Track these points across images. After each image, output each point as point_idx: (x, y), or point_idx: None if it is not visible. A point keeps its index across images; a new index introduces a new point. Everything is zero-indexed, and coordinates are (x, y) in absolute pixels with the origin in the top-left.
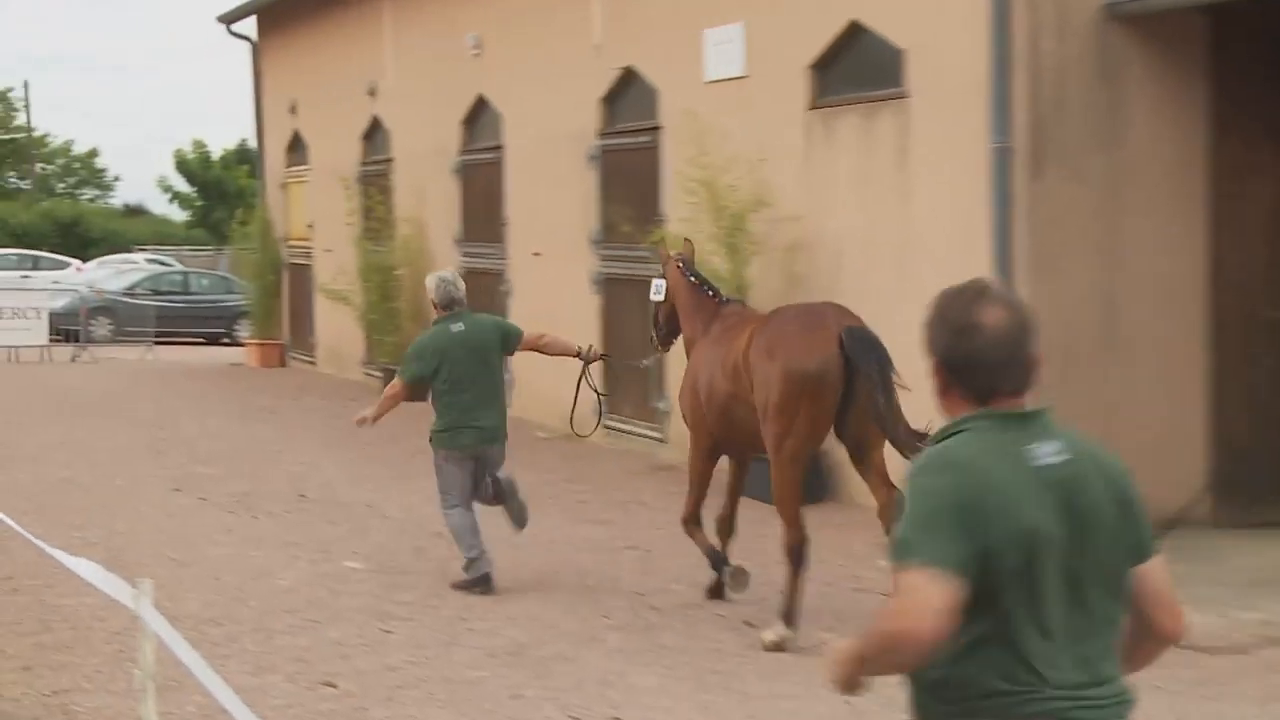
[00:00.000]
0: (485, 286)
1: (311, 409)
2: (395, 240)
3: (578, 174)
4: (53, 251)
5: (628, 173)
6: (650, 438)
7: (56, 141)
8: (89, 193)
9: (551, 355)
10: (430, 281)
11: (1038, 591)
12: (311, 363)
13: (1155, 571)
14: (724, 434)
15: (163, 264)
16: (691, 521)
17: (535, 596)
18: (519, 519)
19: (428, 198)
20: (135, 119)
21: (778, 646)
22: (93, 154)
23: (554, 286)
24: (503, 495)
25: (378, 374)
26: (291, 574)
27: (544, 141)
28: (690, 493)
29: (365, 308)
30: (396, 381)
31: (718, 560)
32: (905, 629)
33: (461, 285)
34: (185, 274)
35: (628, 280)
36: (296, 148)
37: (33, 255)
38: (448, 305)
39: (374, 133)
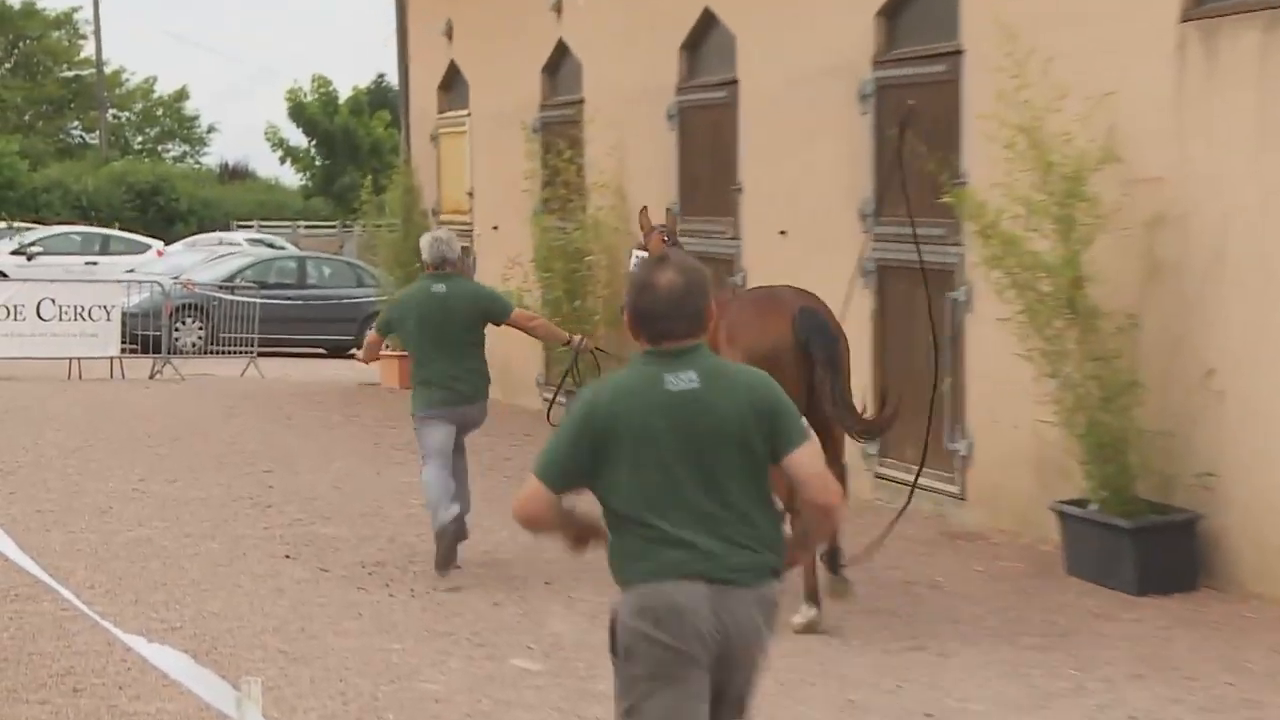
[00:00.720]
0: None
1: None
2: (586, 215)
3: (842, 119)
4: (127, 229)
5: (913, 117)
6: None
7: (133, 80)
8: (175, 149)
9: (540, 339)
10: (424, 240)
11: (664, 478)
12: None
13: (801, 458)
14: None
15: (271, 246)
16: None
17: None
18: (462, 502)
19: (632, 154)
20: (237, 50)
21: (809, 628)
22: (180, 96)
23: (806, 276)
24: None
25: (561, 400)
26: (443, 676)
27: (795, 77)
28: None
29: (545, 308)
30: (372, 331)
31: None
32: (516, 512)
33: (456, 246)
34: (301, 260)
35: (913, 270)
36: (452, 85)
37: (101, 234)
38: (438, 265)
39: (560, 64)
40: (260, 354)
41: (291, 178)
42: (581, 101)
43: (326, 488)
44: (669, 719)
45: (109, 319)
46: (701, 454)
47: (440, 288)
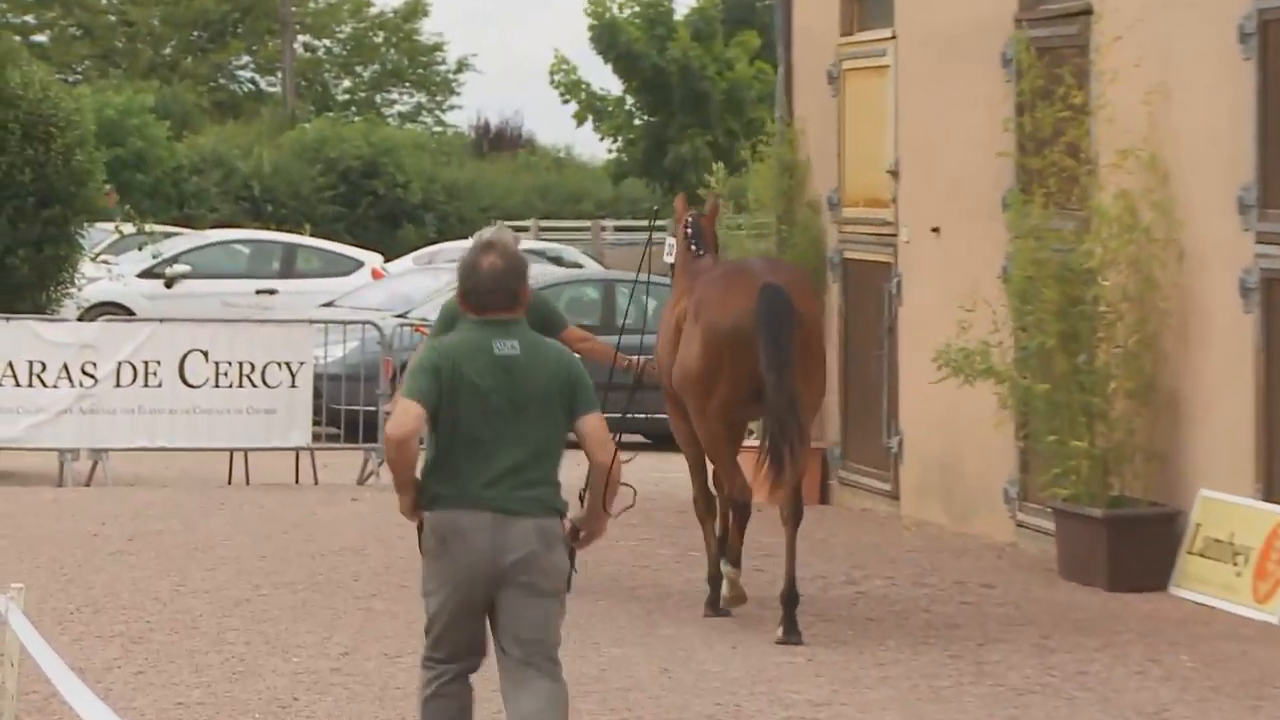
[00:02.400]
0: None
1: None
2: (1097, 206)
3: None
4: (323, 235)
5: None
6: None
7: None
8: (403, 101)
9: (590, 360)
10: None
11: (478, 423)
12: (889, 496)
13: (589, 423)
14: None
15: (559, 262)
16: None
17: None
18: None
19: (1182, 103)
20: None
21: (735, 593)
22: (413, 12)
23: None
24: None
25: (1046, 527)
26: None
27: None
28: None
29: (1028, 364)
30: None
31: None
32: (391, 430)
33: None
34: (607, 286)
35: None
36: None
37: (282, 243)
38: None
39: None
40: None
41: (594, 147)
42: (1088, 11)
43: (648, 673)
44: (451, 619)
45: (294, 384)
46: (515, 408)
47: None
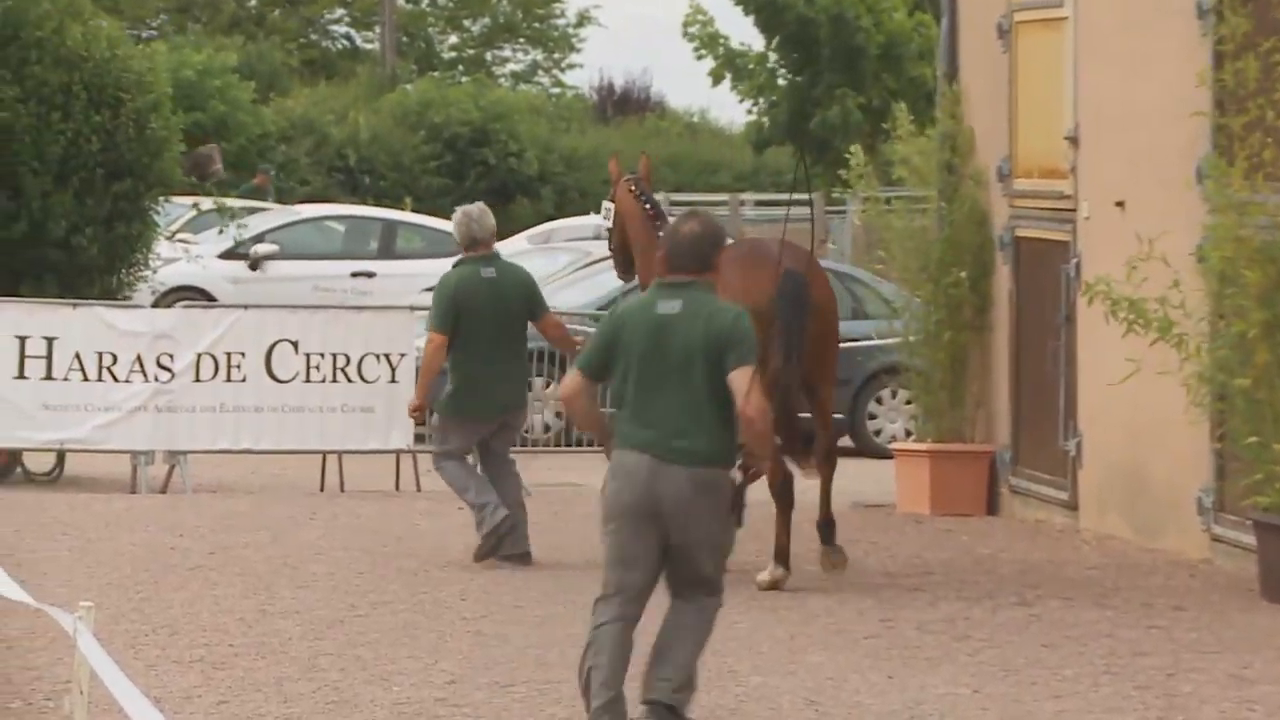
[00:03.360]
0: None
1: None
2: None
3: None
4: (427, 211)
5: None
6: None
7: None
8: (517, 59)
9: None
10: (455, 217)
11: (642, 377)
12: (1067, 506)
13: (739, 378)
14: None
15: None
16: None
17: None
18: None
19: None
20: None
21: (774, 585)
22: None
23: None
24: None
25: (1245, 541)
26: None
27: None
28: None
29: (1214, 350)
30: (431, 334)
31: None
32: (559, 394)
33: (489, 222)
34: None
35: None
36: None
37: (381, 220)
38: (470, 245)
39: None
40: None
41: (731, 110)
42: None
43: (792, 705)
44: (613, 552)
45: (394, 379)
46: (666, 363)
47: (489, 271)
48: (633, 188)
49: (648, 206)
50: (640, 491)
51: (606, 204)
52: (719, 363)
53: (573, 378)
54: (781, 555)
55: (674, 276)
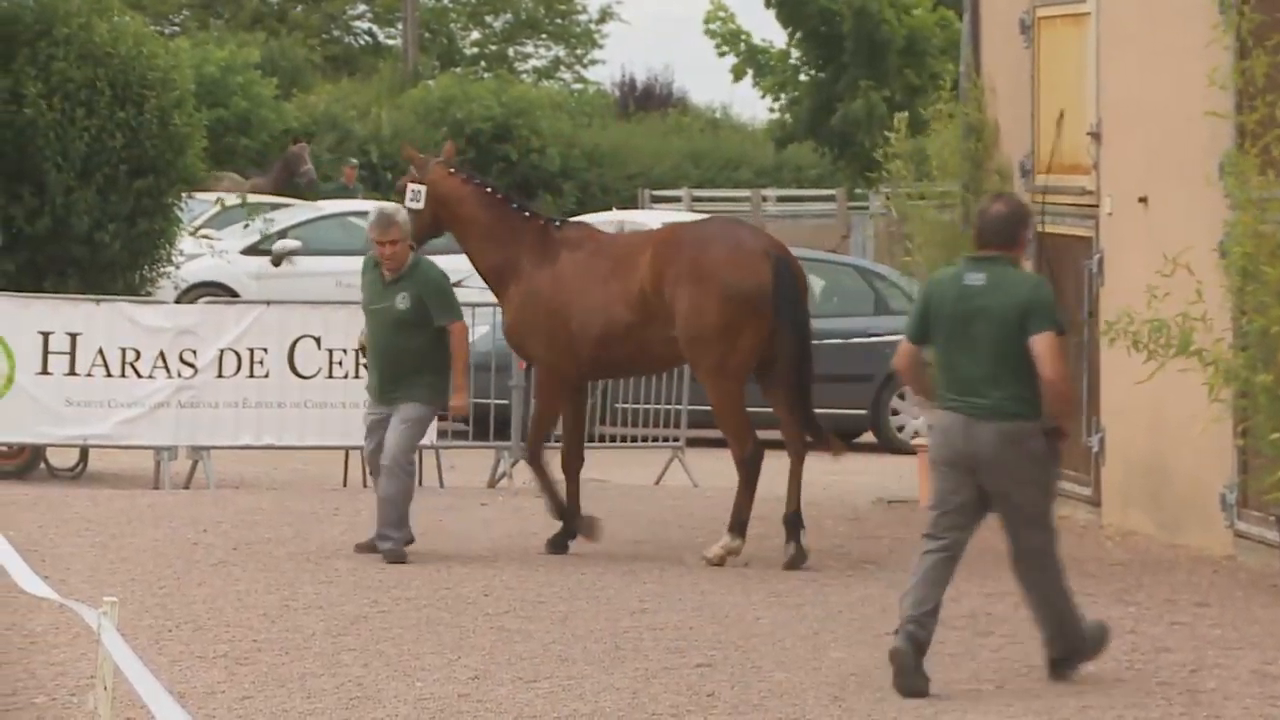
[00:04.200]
0: None
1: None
2: None
3: None
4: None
5: None
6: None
7: None
8: (539, 56)
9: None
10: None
11: (945, 343)
12: (1089, 502)
13: (1038, 343)
14: (603, 363)
15: None
16: (538, 460)
17: None
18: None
19: None
20: None
21: (722, 560)
22: None
23: None
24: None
25: (1270, 537)
26: None
27: None
28: (536, 429)
29: (1244, 351)
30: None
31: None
32: (894, 363)
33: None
34: None
35: None
36: None
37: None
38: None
39: None
40: (695, 442)
41: (753, 106)
42: None
43: (816, 702)
44: (939, 495)
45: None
46: (971, 330)
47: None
48: (452, 170)
49: (487, 189)
50: (956, 446)
51: (415, 187)
52: (1020, 328)
53: (903, 347)
54: (739, 526)
55: (983, 251)
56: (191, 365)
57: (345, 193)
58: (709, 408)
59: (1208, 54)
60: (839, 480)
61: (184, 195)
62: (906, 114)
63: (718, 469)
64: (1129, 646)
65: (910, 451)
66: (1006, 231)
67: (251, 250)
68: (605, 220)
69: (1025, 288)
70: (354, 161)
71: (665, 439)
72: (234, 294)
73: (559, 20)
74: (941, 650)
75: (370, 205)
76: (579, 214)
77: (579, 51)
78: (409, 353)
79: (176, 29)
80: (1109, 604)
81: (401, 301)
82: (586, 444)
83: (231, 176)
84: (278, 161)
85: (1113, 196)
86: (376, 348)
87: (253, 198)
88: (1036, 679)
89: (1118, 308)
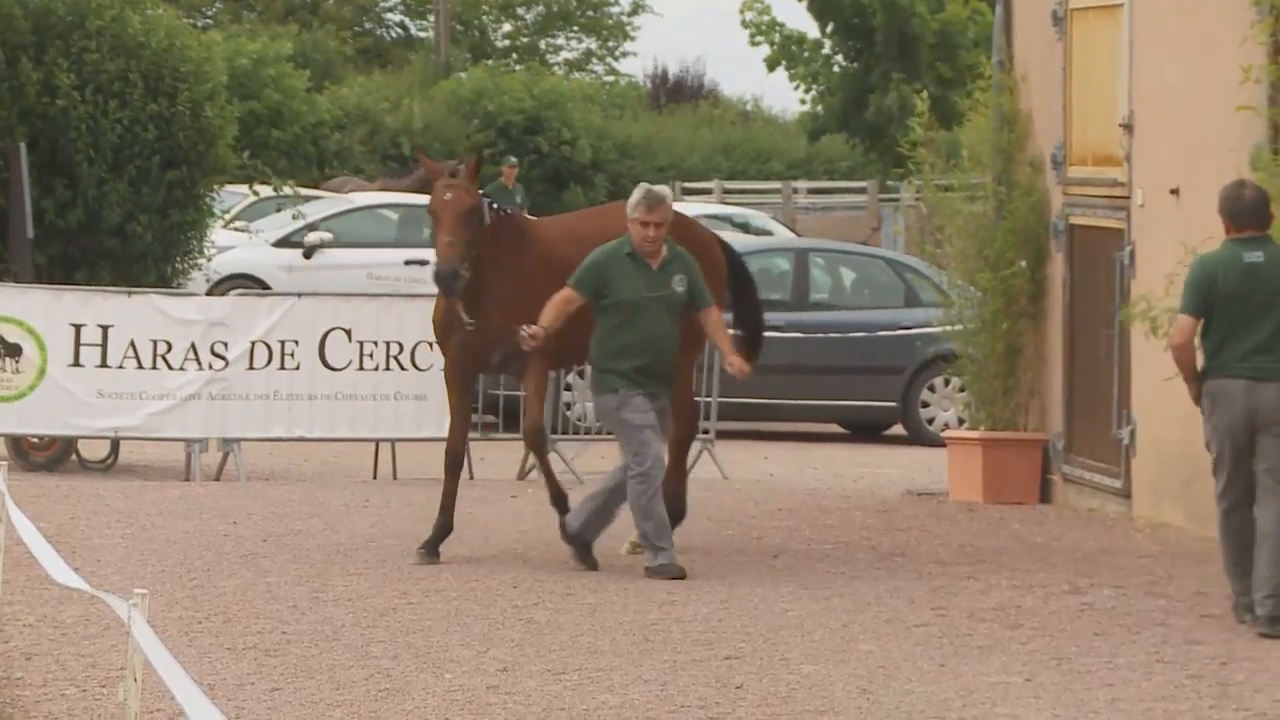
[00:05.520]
0: None
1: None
2: None
3: None
4: (337, 189)
5: None
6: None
7: None
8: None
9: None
10: None
11: (1229, 315)
12: (1120, 494)
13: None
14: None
15: (746, 229)
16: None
17: None
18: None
19: None
20: None
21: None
22: None
23: None
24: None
25: None
26: None
27: None
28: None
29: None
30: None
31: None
32: (1172, 340)
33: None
34: (800, 256)
35: None
36: None
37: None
38: None
39: None
40: (724, 434)
41: (785, 98)
42: None
43: (844, 694)
44: (1224, 456)
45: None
46: (1257, 302)
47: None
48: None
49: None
50: (1240, 408)
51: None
52: None
53: (1185, 324)
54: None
55: (1248, 233)
56: (222, 357)
57: (505, 194)
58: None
59: (1242, 50)
60: (869, 472)
61: (216, 187)
62: (928, 97)
63: (747, 460)
64: (1159, 639)
65: (940, 444)
66: (1264, 213)
67: (283, 243)
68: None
69: None
70: (513, 160)
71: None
72: (265, 286)
73: (590, 12)
74: (970, 643)
75: (393, 198)
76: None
77: (610, 44)
78: (672, 343)
79: (209, 22)
80: (1139, 596)
81: (679, 285)
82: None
83: (354, 180)
84: (418, 169)
85: (1144, 189)
86: (648, 338)
87: (287, 189)
88: (1066, 672)
89: (1149, 299)
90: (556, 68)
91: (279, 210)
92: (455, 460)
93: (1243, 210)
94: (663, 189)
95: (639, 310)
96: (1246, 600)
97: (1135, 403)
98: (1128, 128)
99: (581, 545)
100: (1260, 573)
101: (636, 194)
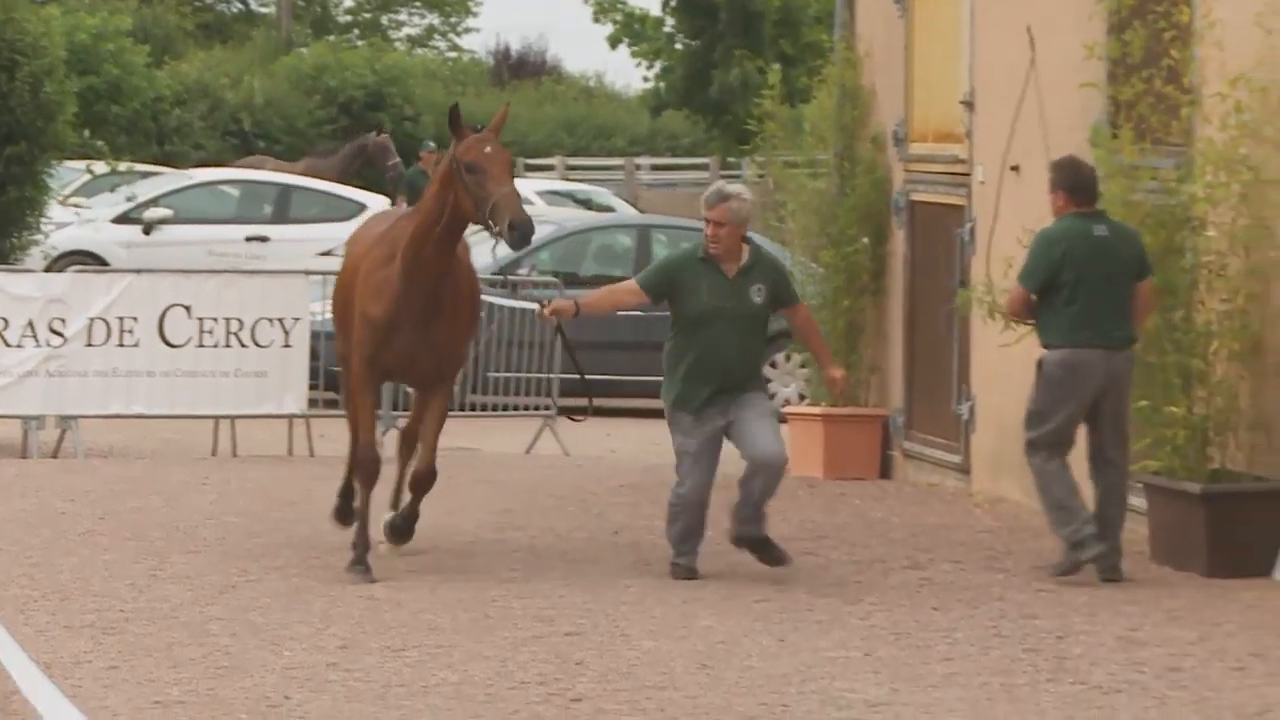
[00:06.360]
0: None
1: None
2: (1200, 142)
3: None
4: (253, 167)
5: None
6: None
7: None
8: (412, 24)
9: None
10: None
11: (1091, 289)
12: (959, 469)
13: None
14: None
15: (588, 206)
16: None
17: None
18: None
19: None
20: None
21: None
22: None
23: None
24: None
25: (1137, 504)
26: None
27: None
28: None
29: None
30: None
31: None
32: (1006, 306)
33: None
34: (643, 232)
35: None
36: None
37: (275, 184)
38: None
39: None
40: (565, 411)
41: (628, 75)
42: None
43: (684, 669)
44: (1069, 417)
45: (288, 344)
46: (1110, 277)
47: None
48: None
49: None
50: (1099, 377)
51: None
52: (1139, 274)
53: (1020, 293)
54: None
55: (1089, 208)
56: (60, 334)
57: (424, 179)
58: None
59: (1083, 27)
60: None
61: (54, 163)
62: (779, 69)
63: (590, 437)
64: (996, 613)
65: (781, 420)
66: (1097, 187)
67: (121, 219)
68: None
69: (1136, 234)
70: (431, 145)
71: (536, 407)
72: (104, 262)
73: None
74: (809, 618)
75: (242, 174)
76: None
77: (453, 19)
78: (755, 353)
79: None
80: (977, 571)
81: (757, 295)
82: (460, 413)
83: (272, 159)
84: (347, 147)
85: (985, 165)
86: (712, 355)
87: (125, 165)
88: (904, 646)
89: (989, 275)
90: (399, 43)
91: (113, 190)
92: (372, 469)
93: (1083, 184)
94: (733, 186)
95: (703, 324)
96: (1088, 530)
97: (974, 379)
98: (969, 105)
99: (754, 542)
100: (1103, 527)
101: (708, 189)
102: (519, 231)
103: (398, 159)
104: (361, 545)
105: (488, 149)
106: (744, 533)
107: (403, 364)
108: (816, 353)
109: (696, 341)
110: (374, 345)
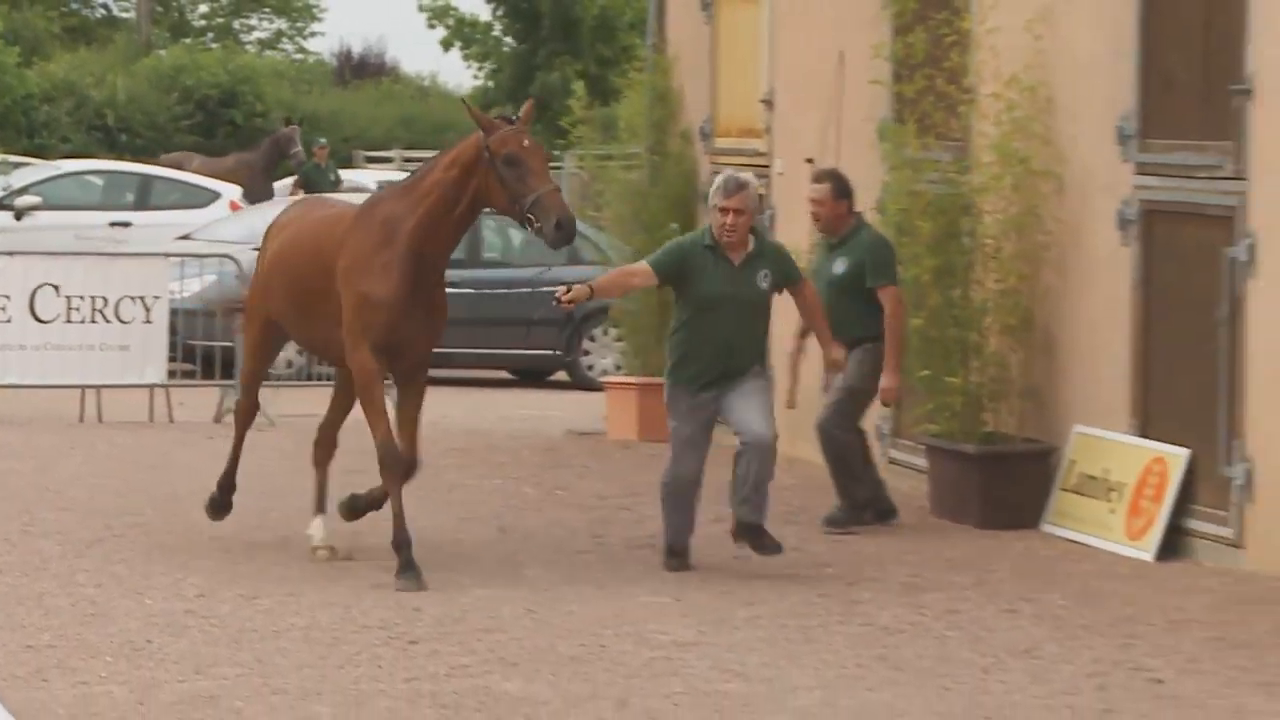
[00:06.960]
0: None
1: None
2: (977, 136)
3: None
4: (176, 163)
5: None
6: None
7: None
8: (262, 28)
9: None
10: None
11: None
12: None
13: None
14: None
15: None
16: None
17: None
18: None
19: (1066, 29)
20: None
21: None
22: None
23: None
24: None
25: (918, 464)
26: None
27: None
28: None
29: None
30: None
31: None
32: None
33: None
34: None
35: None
36: None
37: (137, 174)
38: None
39: None
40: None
41: (459, 75)
42: None
43: (512, 614)
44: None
45: (149, 320)
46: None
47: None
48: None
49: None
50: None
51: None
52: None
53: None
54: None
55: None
56: None
57: (320, 173)
58: None
59: (872, 30)
60: (536, 415)
61: None
62: (588, 77)
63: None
64: (792, 561)
65: (599, 388)
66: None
67: None
68: (287, 185)
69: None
70: (323, 141)
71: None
72: None
73: None
74: (625, 568)
75: (108, 165)
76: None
77: (299, 24)
78: (756, 340)
79: None
80: (777, 524)
81: (763, 282)
82: (307, 382)
83: (198, 156)
84: (267, 140)
85: (784, 158)
86: (717, 341)
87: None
88: (711, 592)
89: None
90: (250, 46)
91: None
92: (399, 468)
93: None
94: (745, 175)
95: (709, 310)
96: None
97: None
98: (768, 103)
99: (750, 530)
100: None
101: (717, 179)
102: (565, 231)
103: (299, 148)
104: (405, 546)
105: (526, 142)
106: (741, 515)
107: (403, 346)
108: (818, 331)
109: (699, 329)
110: (384, 328)
